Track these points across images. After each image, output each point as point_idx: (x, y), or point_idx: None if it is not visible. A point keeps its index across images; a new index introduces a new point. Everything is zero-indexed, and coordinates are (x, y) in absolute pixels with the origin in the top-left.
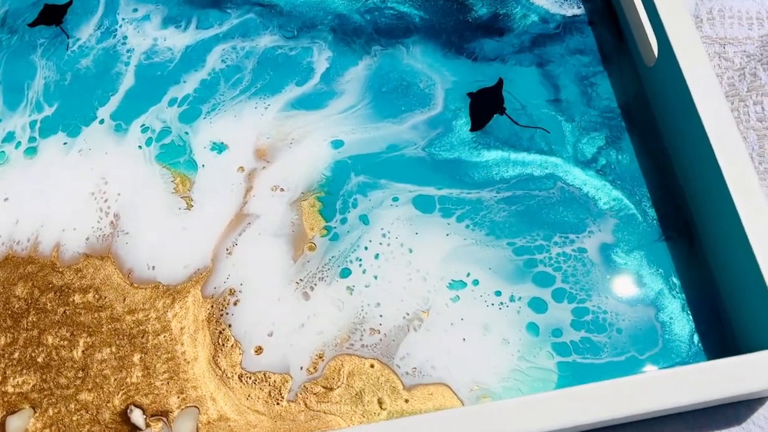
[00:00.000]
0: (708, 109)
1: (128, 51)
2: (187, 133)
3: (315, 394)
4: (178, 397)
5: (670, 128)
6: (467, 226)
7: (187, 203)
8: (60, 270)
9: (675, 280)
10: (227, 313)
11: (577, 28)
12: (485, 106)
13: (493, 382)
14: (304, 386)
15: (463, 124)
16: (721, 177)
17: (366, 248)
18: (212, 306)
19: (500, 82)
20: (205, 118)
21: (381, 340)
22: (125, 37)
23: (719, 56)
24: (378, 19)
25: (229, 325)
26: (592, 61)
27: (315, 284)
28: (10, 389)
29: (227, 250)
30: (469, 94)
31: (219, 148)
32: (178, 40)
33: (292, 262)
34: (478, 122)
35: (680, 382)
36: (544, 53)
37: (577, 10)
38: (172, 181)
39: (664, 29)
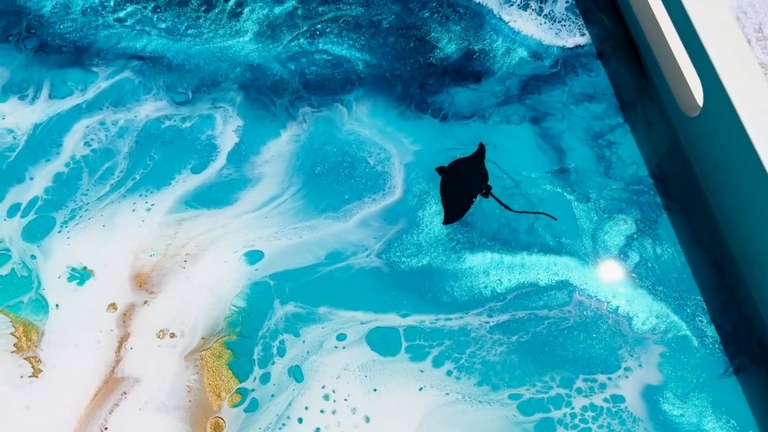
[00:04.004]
0: None
1: None
2: (34, 256)
3: None
4: None
5: (727, 202)
6: (449, 373)
7: (33, 367)
8: None
9: None
10: None
11: (583, 65)
12: (463, 185)
13: None
14: None
15: (433, 214)
16: None
17: (300, 420)
18: None
19: (481, 150)
20: (60, 231)
21: None
22: None
23: None
24: (306, 69)
25: None
26: (606, 111)
27: None
28: None
29: None
30: (439, 170)
31: (81, 276)
32: (22, 116)
33: None
34: (454, 211)
35: None
36: (540, 103)
37: (581, 38)
38: (11, 334)
39: (710, 63)
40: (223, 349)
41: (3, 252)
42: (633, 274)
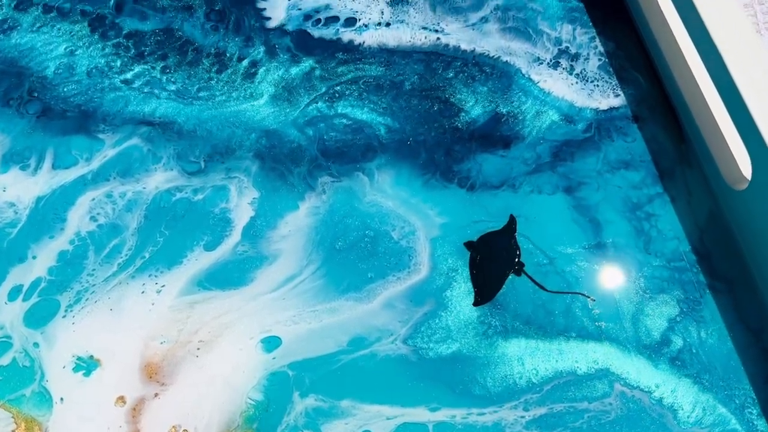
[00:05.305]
0: None
1: None
2: (37, 344)
3: None
4: None
5: None
6: None
7: None
8: None
9: None
10: None
11: (618, 129)
12: (493, 263)
13: None
14: None
15: (462, 294)
16: None
17: None
18: None
19: (512, 223)
20: (65, 316)
21: None
22: None
23: None
24: (325, 134)
25: None
26: (644, 180)
27: None
28: None
29: None
30: (468, 246)
31: (87, 366)
32: (24, 189)
33: None
34: (485, 291)
35: None
36: (573, 171)
37: (615, 100)
38: None
39: (758, 131)
40: None
41: (3, 339)
42: (677, 362)
